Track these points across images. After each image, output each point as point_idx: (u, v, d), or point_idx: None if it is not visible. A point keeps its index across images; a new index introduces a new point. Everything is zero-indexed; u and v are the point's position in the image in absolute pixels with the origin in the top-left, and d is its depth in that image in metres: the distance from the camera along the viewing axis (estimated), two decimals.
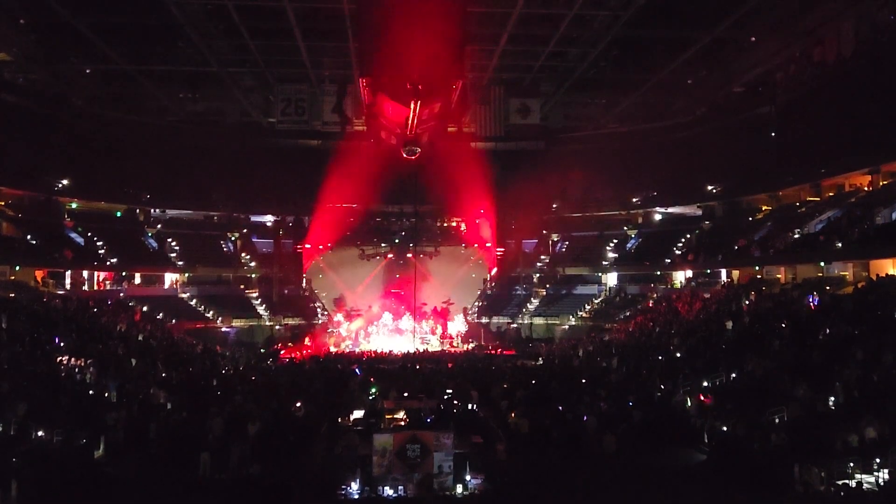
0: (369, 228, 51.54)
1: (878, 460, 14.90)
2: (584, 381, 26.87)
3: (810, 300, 28.24)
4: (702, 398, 21.72)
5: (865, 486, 14.51)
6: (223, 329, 43.72)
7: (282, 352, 39.55)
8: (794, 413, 18.23)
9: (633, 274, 47.98)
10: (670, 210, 49.73)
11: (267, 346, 42.14)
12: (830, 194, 36.83)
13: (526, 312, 48.61)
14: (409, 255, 49.35)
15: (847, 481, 14.49)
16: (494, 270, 51.86)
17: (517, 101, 44.39)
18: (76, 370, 23.64)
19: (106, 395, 22.04)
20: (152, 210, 48.48)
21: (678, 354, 28.12)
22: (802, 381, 19.52)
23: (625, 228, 50.52)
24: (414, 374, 30.11)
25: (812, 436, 16.48)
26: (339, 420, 20.88)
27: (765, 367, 22.17)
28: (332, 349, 41.35)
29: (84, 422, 18.00)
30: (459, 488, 15.16)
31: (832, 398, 18.50)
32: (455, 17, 28.35)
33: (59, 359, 24.20)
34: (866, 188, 34.21)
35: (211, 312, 44.49)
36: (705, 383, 23.22)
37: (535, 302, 49.52)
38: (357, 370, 29.68)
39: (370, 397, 22.83)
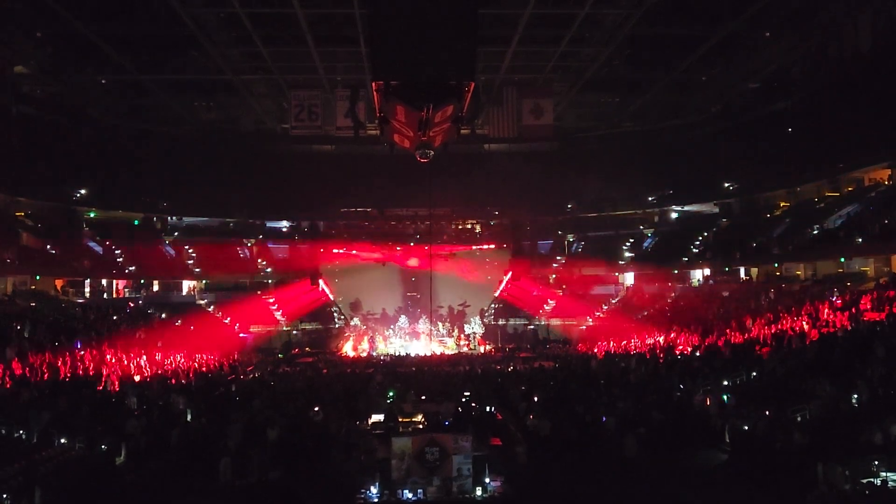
0: (384, 232, 51.69)
1: None
2: (602, 381, 26.71)
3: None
4: (722, 397, 21.51)
5: (890, 484, 14.28)
6: (241, 335, 43.92)
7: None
8: (816, 411, 18.01)
9: (650, 273, 47.72)
10: (687, 208, 49.40)
11: (285, 351, 42.30)
12: (849, 189, 36.41)
13: (543, 313, 48.45)
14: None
15: (872, 479, 14.28)
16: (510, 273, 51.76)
17: (530, 101, 44.22)
18: (97, 377, 23.86)
19: (126, 402, 22.22)
20: (169, 218, 48.92)
21: (697, 353, 27.90)
22: (824, 378, 19.29)
23: (641, 227, 50.23)
24: (431, 377, 30.09)
25: (835, 434, 16.25)
26: (358, 424, 20.89)
27: (786, 365, 21.93)
28: (351, 353, 41.50)
29: (105, 429, 18.14)
30: (479, 491, 15.11)
31: (855, 395, 18.26)
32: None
33: (79, 367, 24.44)
34: (886, 182, 33.80)
35: (229, 319, 44.71)
36: (725, 382, 23.01)
37: (552, 302, 49.35)
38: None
39: (388, 401, 22.85)
